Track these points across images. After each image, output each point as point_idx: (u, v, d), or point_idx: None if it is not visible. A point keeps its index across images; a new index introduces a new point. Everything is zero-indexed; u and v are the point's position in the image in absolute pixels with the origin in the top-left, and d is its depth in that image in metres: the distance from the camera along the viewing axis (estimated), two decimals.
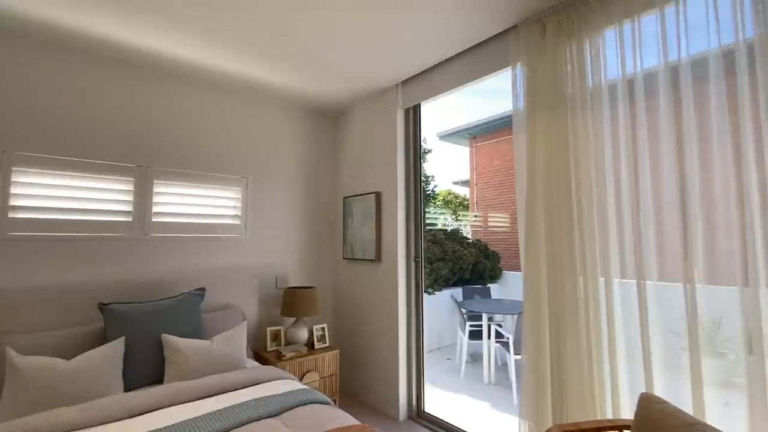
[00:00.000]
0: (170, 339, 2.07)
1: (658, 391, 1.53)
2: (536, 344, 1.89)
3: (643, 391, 1.51)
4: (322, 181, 3.53)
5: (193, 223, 2.75)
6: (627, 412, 1.63)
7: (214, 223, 2.85)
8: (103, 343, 2.00)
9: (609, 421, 1.44)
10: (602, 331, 1.70)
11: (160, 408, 1.67)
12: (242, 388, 1.92)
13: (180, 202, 2.71)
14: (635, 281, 1.61)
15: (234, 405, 1.68)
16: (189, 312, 2.27)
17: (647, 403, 1.28)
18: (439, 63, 2.60)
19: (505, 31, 2.17)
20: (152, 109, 2.63)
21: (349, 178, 3.42)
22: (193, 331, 2.23)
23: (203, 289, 2.43)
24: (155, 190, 2.60)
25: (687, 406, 1.43)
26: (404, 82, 2.89)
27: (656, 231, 1.59)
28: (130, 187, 2.51)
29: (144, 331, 2.07)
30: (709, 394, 1.42)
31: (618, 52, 1.69)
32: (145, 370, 2.02)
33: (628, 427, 1.38)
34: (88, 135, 2.38)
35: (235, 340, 2.24)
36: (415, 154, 2.96)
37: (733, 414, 1.38)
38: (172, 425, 1.51)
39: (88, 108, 2.39)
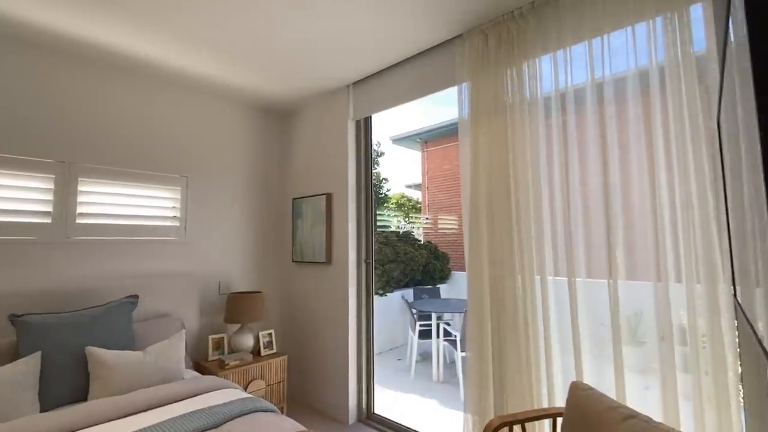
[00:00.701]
0: (95, 352, 1.88)
1: (587, 380, 1.66)
2: (479, 341, 1.97)
3: (574, 380, 1.63)
4: (270, 182, 3.42)
5: (125, 225, 2.53)
6: (560, 400, 1.75)
7: (150, 225, 2.64)
8: (15, 360, 1.78)
9: (544, 410, 1.53)
10: (538, 326, 1.82)
11: (81, 428, 1.51)
12: (179, 401, 1.80)
13: (110, 202, 2.49)
14: (566, 279, 1.74)
15: (168, 419, 1.57)
16: (118, 322, 2.09)
17: (576, 391, 1.38)
18: (389, 68, 2.63)
19: (452, 40, 2.24)
20: (76, 100, 2.39)
21: (299, 178, 3.35)
22: (124, 343, 2.05)
23: (136, 297, 2.25)
24: (80, 188, 2.36)
25: (612, 392, 1.56)
26: (355, 85, 2.89)
27: (584, 232, 1.74)
28: (50, 185, 2.26)
29: (64, 345, 1.87)
30: (631, 379, 1.58)
31: (552, 69, 1.85)
32: (66, 388, 1.83)
33: (560, 415, 1.47)
34: None
35: (172, 350, 2.09)
36: (366, 160, 2.98)
37: (651, 396, 1.53)
38: None
39: None
